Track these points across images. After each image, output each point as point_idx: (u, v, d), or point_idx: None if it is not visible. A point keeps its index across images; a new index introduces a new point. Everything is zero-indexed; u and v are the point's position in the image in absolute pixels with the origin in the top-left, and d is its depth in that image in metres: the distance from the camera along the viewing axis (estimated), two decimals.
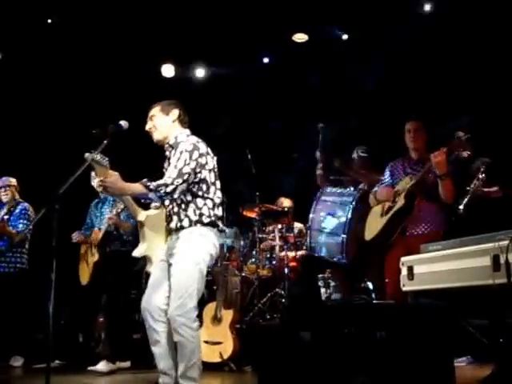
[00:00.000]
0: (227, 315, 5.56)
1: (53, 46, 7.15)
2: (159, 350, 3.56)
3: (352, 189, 5.61)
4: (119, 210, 5.45)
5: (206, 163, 3.62)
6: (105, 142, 3.65)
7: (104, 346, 5.54)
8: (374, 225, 4.73)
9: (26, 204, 6.33)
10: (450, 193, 4.30)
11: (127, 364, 5.63)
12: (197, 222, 3.59)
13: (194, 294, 3.49)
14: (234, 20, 6.80)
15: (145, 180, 3.44)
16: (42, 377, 3.17)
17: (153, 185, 3.41)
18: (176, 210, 3.63)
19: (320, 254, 5.44)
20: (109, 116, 4.32)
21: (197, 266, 3.52)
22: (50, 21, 6.94)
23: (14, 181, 6.38)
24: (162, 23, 6.89)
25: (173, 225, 3.64)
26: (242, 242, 6.68)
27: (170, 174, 3.48)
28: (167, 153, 3.75)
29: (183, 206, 3.61)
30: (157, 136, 3.75)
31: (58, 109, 7.59)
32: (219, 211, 3.70)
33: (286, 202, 6.89)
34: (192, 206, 3.60)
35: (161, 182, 3.45)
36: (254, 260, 6.60)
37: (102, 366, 5.27)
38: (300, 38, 7.09)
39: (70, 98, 7.60)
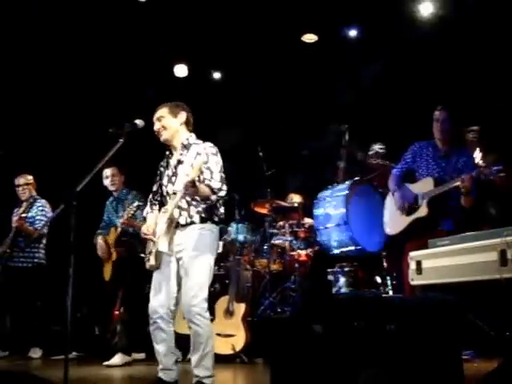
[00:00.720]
0: (239, 308, 5.65)
1: (70, 45, 7.21)
2: (165, 348, 3.69)
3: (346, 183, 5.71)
4: (132, 212, 5.45)
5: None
6: (120, 140, 3.75)
7: (120, 339, 5.59)
8: (397, 221, 4.79)
9: (43, 200, 6.42)
10: (468, 204, 4.42)
11: (142, 355, 5.75)
12: (207, 219, 3.72)
13: (205, 286, 3.64)
14: (246, 20, 6.85)
15: (207, 182, 3.58)
16: (60, 368, 3.26)
17: (215, 188, 3.58)
18: (185, 206, 3.72)
19: (333, 250, 5.56)
20: (124, 115, 4.41)
21: (208, 261, 3.68)
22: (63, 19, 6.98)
23: (30, 178, 6.47)
24: (176, 23, 6.94)
25: (182, 220, 3.72)
26: (253, 238, 6.75)
27: (215, 178, 3.62)
28: (179, 153, 3.85)
29: (194, 202, 3.71)
30: (165, 136, 3.85)
31: (75, 107, 7.66)
32: (223, 210, 3.86)
33: (296, 198, 6.95)
34: (202, 203, 3.71)
35: (217, 185, 3.60)
36: (265, 255, 6.68)
37: (117, 359, 5.39)
38: (309, 38, 7.12)
39: (87, 97, 7.66)
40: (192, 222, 3.70)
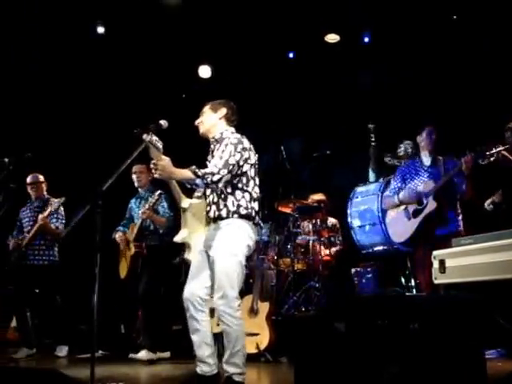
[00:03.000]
0: (263, 307, 5.67)
1: (97, 46, 7.32)
2: (198, 338, 3.69)
3: (381, 180, 5.76)
4: (151, 204, 5.51)
5: (249, 157, 3.76)
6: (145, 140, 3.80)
7: (144, 337, 5.68)
8: (403, 228, 4.87)
9: (58, 200, 6.32)
10: (470, 191, 4.76)
11: (167, 354, 5.79)
12: (234, 212, 3.70)
13: (235, 284, 3.62)
14: (267, 21, 6.88)
15: (193, 167, 3.57)
16: (86, 366, 3.31)
17: (201, 172, 3.54)
18: (216, 199, 3.75)
19: (367, 249, 5.59)
20: (149, 115, 4.46)
21: (236, 258, 3.64)
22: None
23: (41, 177, 6.45)
24: (199, 25, 6.99)
25: (211, 214, 3.77)
26: (277, 237, 6.77)
27: (216, 163, 3.61)
28: (212, 146, 3.91)
29: (223, 196, 3.73)
30: (201, 130, 3.93)
31: (100, 108, 7.76)
32: (256, 205, 3.82)
33: (319, 198, 6.96)
34: (231, 197, 3.73)
35: (208, 170, 3.58)
36: (288, 254, 6.70)
37: (142, 354, 5.50)
38: (332, 38, 7.12)
39: (112, 98, 7.76)
40: (220, 217, 3.73)
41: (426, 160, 5.01)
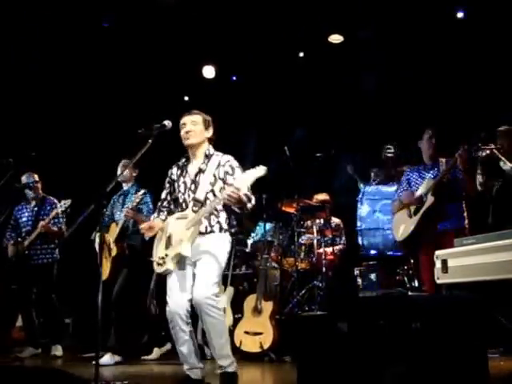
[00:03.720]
0: (267, 307, 5.69)
1: (100, 48, 7.34)
2: (188, 349, 3.79)
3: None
4: (135, 204, 5.36)
5: None
6: (149, 141, 3.83)
7: (111, 340, 5.48)
8: (404, 226, 4.94)
9: (55, 200, 6.33)
10: (471, 187, 4.82)
11: (167, 347, 5.85)
12: (226, 230, 3.93)
13: (217, 284, 3.78)
14: (270, 22, 6.89)
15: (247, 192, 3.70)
16: (91, 365, 3.42)
17: (251, 198, 3.73)
18: (207, 215, 3.85)
19: (373, 251, 5.63)
20: (152, 116, 4.48)
21: (221, 265, 3.84)
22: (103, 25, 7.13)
23: (37, 176, 6.36)
24: (203, 25, 7.01)
25: (202, 228, 3.85)
26: (281, 237, 6.80)
27: (246, 190, 3.71)
28: (194, 161, 3.99)
29: (216, 213, 3.88)
30: (193, 141, 3.95)
31: (105, 109, 7.79)
32: (235, 223, 4.15)
33: (323, 197, 6.97)
34: (223, 214, 3.93)
35: (250, 195, 3.72)
36: (292, 254, 6.72)
37: (106, 358, 5.30)
38: (336, 39, 7.12)
39: (115, 99, 7.78)
40: (211, 231, 3.87)
41: (429, 163, 5.08)
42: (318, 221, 6.77)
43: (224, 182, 3.87)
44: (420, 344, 2.86)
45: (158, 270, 3.90)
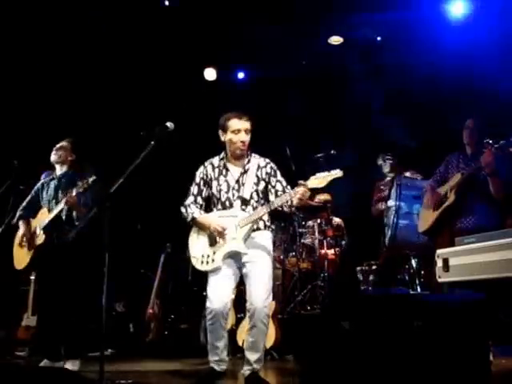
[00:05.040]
0: (269, 306, 5.71)
1: (102, 49, 7.35)
2: (223, 343, 4.00)
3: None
4: (81, 190, 4.76)
5: None
6: (152, 143, 3.85)
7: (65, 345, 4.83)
8: (427, 217, 4.86)
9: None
10: (497, 189, 4.42)
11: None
12: (269, 227, 4.09)
13: (271, 288, 4.00)
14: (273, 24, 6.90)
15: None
16: (96, 364, 3.40)
17: None
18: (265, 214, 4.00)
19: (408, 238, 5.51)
20: (154, 118, 4.50)
21: (270, 266, 4.01)
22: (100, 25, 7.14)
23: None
24: (205, 27, 7.04)
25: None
26: (282, 237, 6.83)
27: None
28: (234, 161, 4.12)
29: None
30: (245, 152, 4.11)
31: (107, 111, 7.80)
32: None
33: (324, 197, 7.00)
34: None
35: None
36: (294, 253, 6.75)
37: (70, 365, 4.70)
38: (336, 40, 7.14)
39: (118, 101, 7.80)
40: (257, 228, 4.00)
41: (469, 153, 4.80)
42: (319, 221, 6.79)
43: (266, 182, 4.05)
44: (422, 342, 2.88)
45: (203, 267, 4.02)
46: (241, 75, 8.25)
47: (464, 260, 3.28)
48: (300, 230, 6.75)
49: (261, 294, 3.88)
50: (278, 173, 4.15)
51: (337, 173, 3.76)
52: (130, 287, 7.01)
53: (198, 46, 7.27)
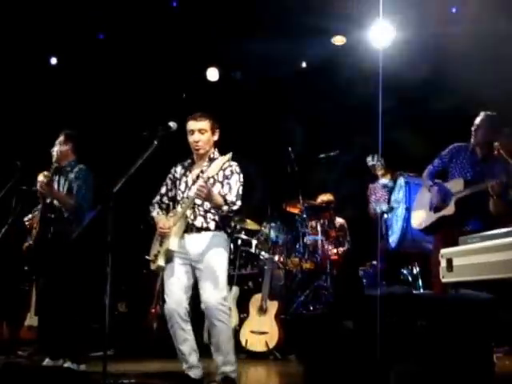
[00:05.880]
0: (272, 306, 5.73)
1: (104, 50, 7.38)
2: (188, 348, 3.83)
3: None
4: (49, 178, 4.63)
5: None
6: (155, 142, 3.85)
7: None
8: (422, 215, 4.79)
9: None
10: (498, 210, 4.33)
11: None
12: (221, 228, 3.92)
13: (225, 286, 3.87)
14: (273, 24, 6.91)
15: (223, 194, 3.82)
16: (99, 364, 3.38)
17: (228, 200, 3.79)
18: (202, 212, 3.89)
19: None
20: (157, 118, 4.50)
21: (225, 264, 3.89)
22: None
23: None
24: (207, 28, 7.05)
25: (197, 223, 3.88)
26: (285, 237, 6.83)
27: (232, 193, 3.85)
28: (198, 162, 4.04)
29: (212, 210, 3.89)
30: (203, 151, 4.01)
31: (110, 111, 7.81)
32: (233, 225, 4.12)
33: (327, 198, 7.00)
34: (218, 212, 3.90)
35: (231, 198, 3.82)
36: (297, 254, 6.75)
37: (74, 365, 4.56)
38: (339, 40, 7.14)
39: (121, 101, 7.81)
40: (207, 228, 3.88)
41: (479, 153, 4.61)
42: (322, 221, 6.80)
43: (222, 184, 3.92)
44: (425, 342, 2.88)
45: (151, 267, 3.98)
46: (238, 75, 8.24)
47: (468, 260, 3.26)
48: (303, 231, 6.76)
49: (210, 291, 3.74)
50: (236, 177, 3.94)
51: (229, 157, 3.80)
52: (133, 287, 7.00)
53: (201, 46, 7.28)
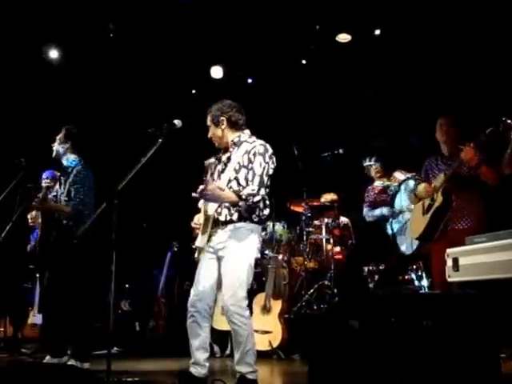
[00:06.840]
0: (276, 305, 5.73)
1: (110, 47, 7.37)
2: (198, 343, 3.73)
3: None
4: (44, 191, 4.77)
5: (274, 162, 3.80)
6: (159, 140, 3.84)
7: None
8: (418, 223, 4.82)
9: None
10: (490, 176, 4.38)
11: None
12: (246, 218, 3.72)
13: (244, 285, 3.68)
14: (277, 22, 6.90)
15: (237, 189, 3.66)
16: (102, 362, 3.41)
17: (243, 194, 3.61)
18: (227, 204, 3.72)
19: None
20: (162, 115, 4.49)
21: (247, 259, 3.69)
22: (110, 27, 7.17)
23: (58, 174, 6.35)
24: (213, 25, 7.04)
25: (222, 217, 3.74)
26: (289, 236, 6.82)
27: (254, 182, 3.65)
28: (231, 149, 3.87)
29: None
30: (217, 144, 3.97)
31: (114, 108, 7.82)
32: (267, 211, 3.83)
33: (331, 197, 6.98)
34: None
35: (248, 191, 3.62)
36: (301, 253, 6.73)
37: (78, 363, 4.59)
38: (344, 38, 7.11)
39: (126, 98, 7.81)
40: (231, 220, 3.72)
41: (447, 152, 4.77)
42: (326, 220, 6.77)
43: (247, 169, 3.72)
44: (431, 342, 2.86)
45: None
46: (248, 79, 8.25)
47: (474, 259, 3.26)
48: (307, 230, 6.73)
49: (226, 291, 3.64)
50: (259, 159, 3.70)
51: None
52: (136, 285, 7.00)
53: (205, 44, 7.27)
